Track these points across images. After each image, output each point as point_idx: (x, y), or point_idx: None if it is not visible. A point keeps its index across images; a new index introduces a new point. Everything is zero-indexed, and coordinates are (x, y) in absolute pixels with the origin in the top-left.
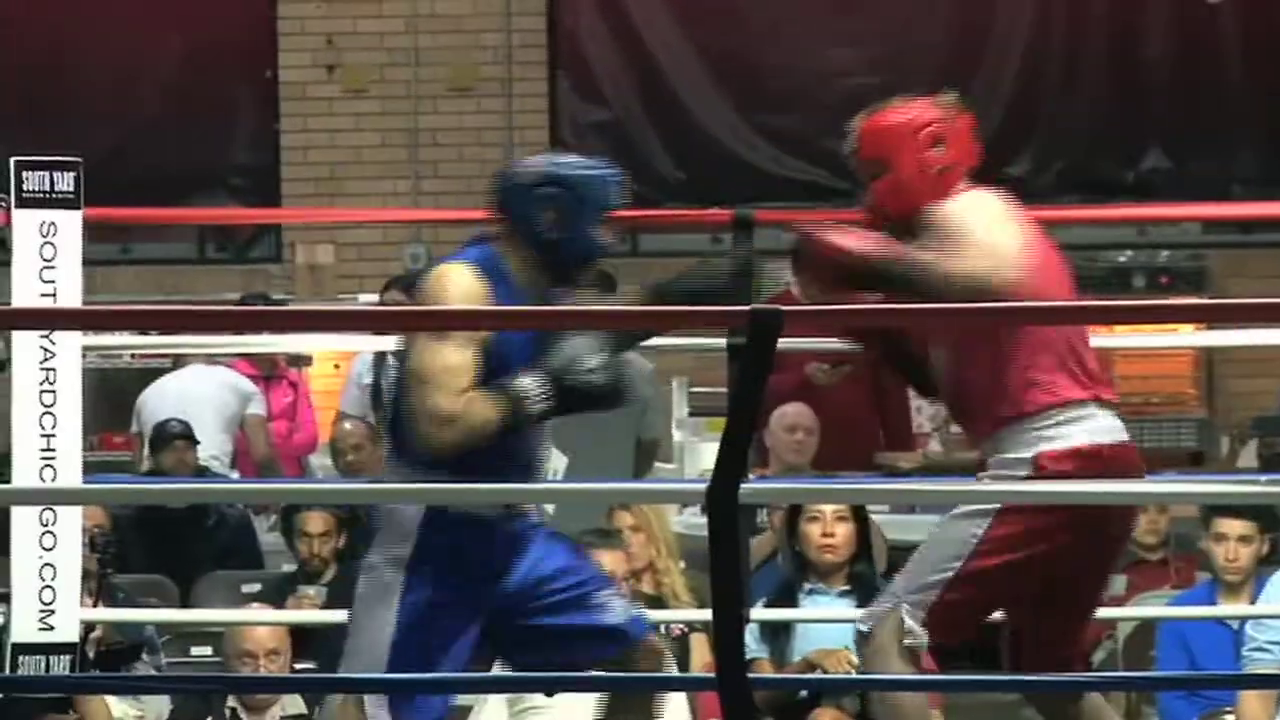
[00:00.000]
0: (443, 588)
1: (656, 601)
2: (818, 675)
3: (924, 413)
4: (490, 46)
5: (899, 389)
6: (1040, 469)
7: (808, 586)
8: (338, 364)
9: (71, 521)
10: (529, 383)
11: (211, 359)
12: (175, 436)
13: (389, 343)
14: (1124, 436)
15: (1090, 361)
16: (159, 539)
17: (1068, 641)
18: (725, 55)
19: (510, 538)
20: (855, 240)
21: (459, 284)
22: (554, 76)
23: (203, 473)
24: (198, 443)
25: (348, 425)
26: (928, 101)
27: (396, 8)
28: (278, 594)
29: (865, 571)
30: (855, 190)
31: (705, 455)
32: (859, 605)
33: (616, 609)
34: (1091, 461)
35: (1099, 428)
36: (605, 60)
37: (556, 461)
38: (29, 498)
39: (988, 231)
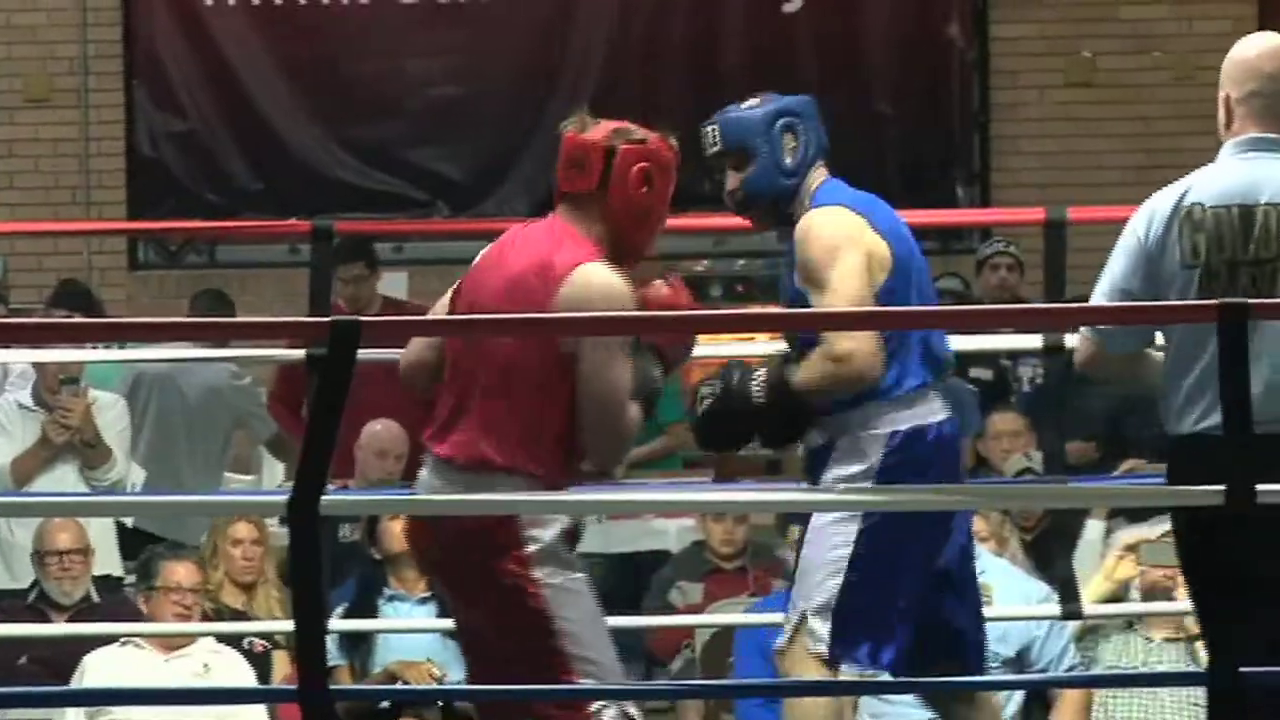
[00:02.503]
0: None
1: (243, 616)
2: (399, 686)
3: None
4: (66, 57)
5: None
6: None
7: (388, 593)
8: None
9: None
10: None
11: None
12: None
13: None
14: None
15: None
16: None
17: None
18: (305, 66)
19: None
20: None
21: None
22: (130, 87)
23: None
24: None
25: None
26: None
27: None
28: None
29: None
30: (434, 201)
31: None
32: (440, 614)
33: None
34: None
35: None
36: (183, 70)
37: (135, 474)
38: None
39: None
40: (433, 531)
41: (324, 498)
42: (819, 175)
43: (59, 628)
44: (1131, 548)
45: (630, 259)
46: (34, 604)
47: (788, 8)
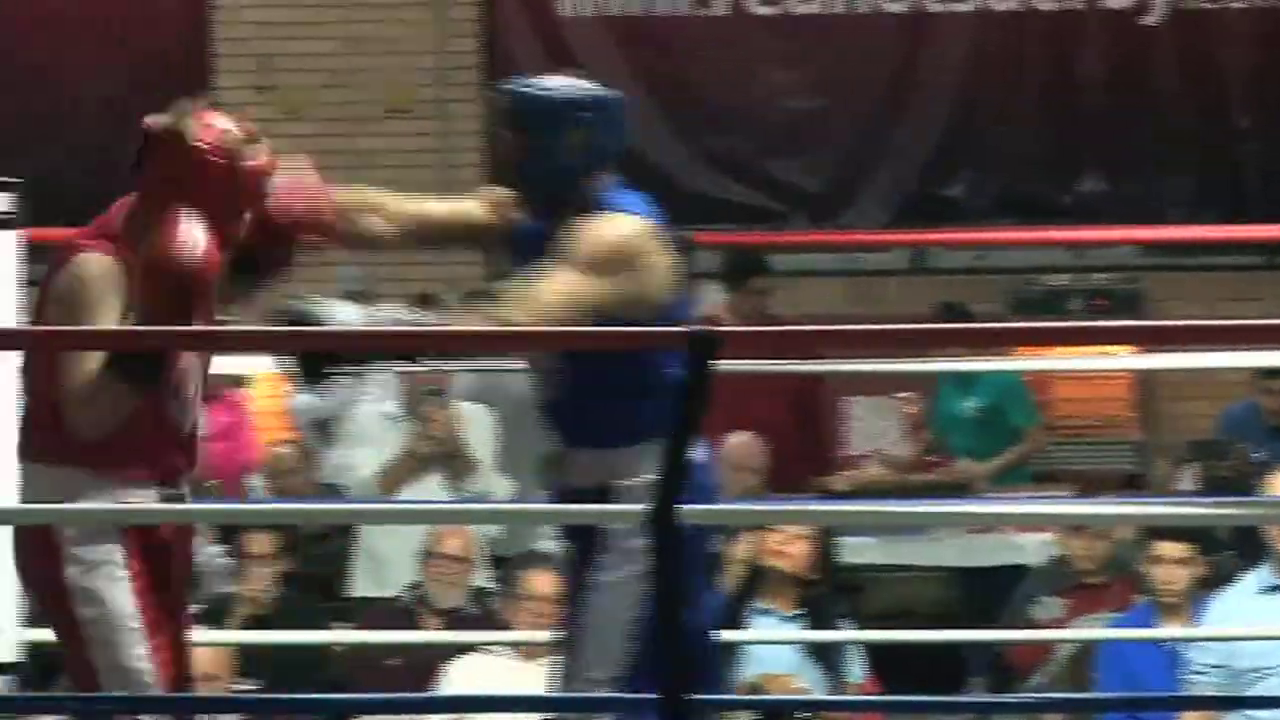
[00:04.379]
0: None
1: None
2: (762, 697)
3: (862, 433)
4: (425, 68)
5: (821, 410)
6: None
7: (756, 606)
8: (278, 384)
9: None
10: None
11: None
12: None
13: None
14: None
15: None
16: None
17: None
18: (662, 77)
19: None
20: None
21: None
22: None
23: None
24: None
25: (280, 449)
26: None
27: (332, 29)
28: (217, 615)
29: (818, 596)
30: (792, 213)
31: None
32: (809, 629)
33: None
34: None
35: None
36: None
37: (499, 485)
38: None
39: None
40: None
41: (683, 508)
42: (608, 180)
43: (424, 634)
44: None
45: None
46: (408, 606)
47: (1146, 21)
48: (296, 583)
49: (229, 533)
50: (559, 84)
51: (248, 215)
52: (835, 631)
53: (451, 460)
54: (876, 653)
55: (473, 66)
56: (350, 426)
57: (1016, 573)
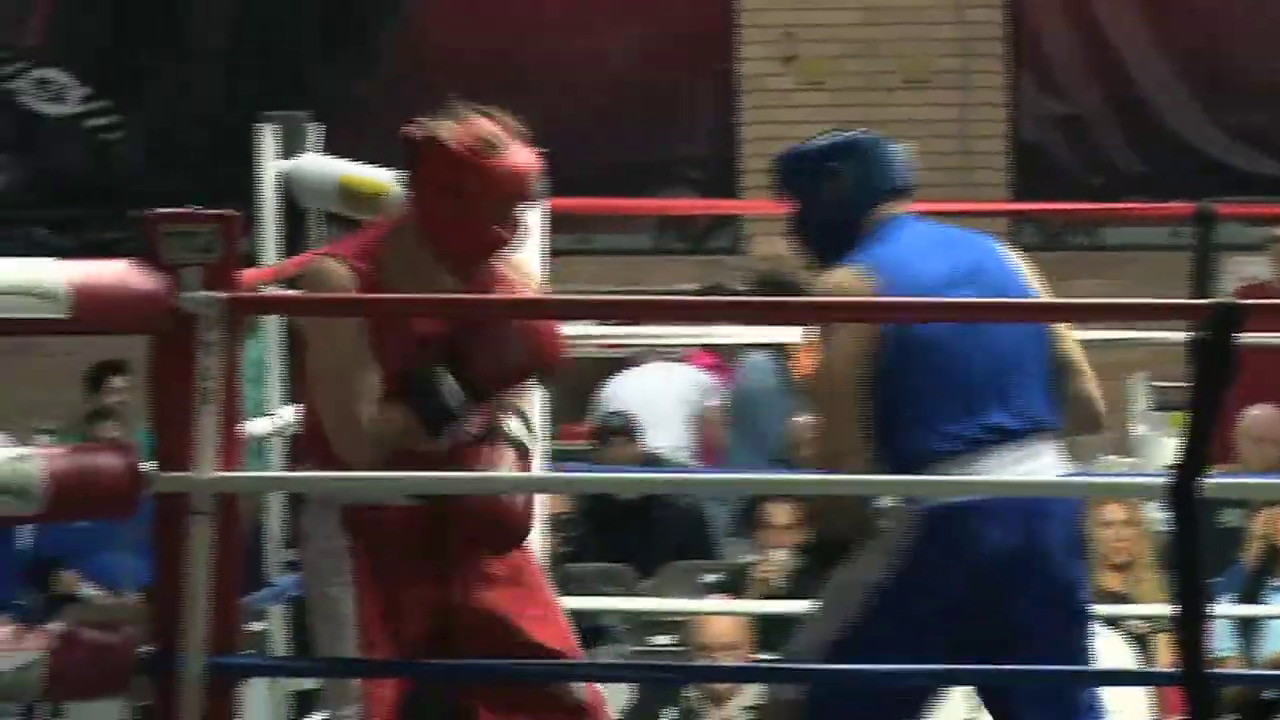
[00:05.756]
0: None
1: (1121, 598)
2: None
3: None
4: (946, 39)
5: None
6: None
7: (1275, 583)
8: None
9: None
10: None
11: (670, 352)
12: (614, 431)
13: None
14: None
15: None
16: (611, 530)
17: None
18: (1189, 50)
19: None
20: None
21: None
22: (1014, 70)
23: (653, 463)
24: (638, 436)
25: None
26: None
27: (853, 0)
28: (737, 585)
29: None
30: None
31: (1165, 450)
32: None
33: None
34: None
35: None
36: (1066, 54)
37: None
38: (487, 485)
39: None
40: None
41: (1206, 480)
42: (888, 217)
43: None
44: None
45: (458, 264)
46: None
47: None
48: (815, 552)
49: (748, 503)
50: (810, 144)
51: (515, 215)
52: None
53: None
54: None
55: (996, 38)
56: None
57: None
